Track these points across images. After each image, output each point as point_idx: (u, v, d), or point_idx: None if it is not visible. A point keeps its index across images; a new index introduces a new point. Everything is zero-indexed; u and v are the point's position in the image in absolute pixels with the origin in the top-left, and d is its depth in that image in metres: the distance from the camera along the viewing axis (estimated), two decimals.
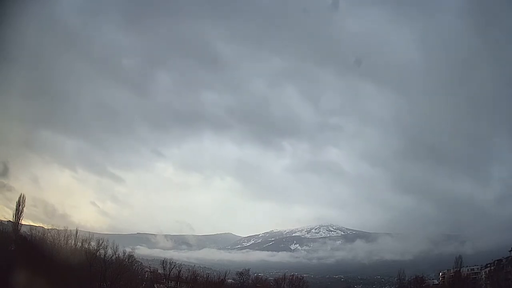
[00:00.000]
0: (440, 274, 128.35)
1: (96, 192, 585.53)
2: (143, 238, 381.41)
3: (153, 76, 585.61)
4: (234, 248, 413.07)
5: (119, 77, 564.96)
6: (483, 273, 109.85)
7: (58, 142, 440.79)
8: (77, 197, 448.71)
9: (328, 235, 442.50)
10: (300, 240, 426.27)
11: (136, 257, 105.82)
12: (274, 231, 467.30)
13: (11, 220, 75.32)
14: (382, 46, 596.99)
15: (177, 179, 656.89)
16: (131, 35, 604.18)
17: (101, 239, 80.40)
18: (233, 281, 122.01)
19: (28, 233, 75.69)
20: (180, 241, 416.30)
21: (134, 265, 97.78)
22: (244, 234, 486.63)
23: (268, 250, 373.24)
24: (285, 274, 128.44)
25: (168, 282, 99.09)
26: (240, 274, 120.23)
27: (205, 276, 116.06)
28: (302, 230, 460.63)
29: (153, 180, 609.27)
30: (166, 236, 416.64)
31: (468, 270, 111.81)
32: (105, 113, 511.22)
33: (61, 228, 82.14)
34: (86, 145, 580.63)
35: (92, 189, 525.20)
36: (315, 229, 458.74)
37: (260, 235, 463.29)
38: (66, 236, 77.59)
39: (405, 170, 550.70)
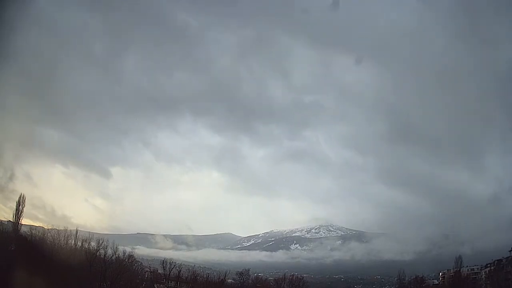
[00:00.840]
0: (440, 274, 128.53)
1: (89, 189, 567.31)
2: (142, 238, 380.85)
3: (122, 59, 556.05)
4: (234, 248, 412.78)
5: (90, 61, 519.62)
6: (483, 273, 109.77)
7: (47, 136, 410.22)
8: (71, 195, 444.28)
9: (328, 235, 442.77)
10: (300, 240, 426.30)
11: (136, 257, 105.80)
12: (274, 231, 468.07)
13: (11, 220, 75.28)
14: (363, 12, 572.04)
15: (164, 174, 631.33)
16: (97, 16, 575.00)
17: (101, 239, 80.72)
18: (233, 281, 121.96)
19: (28, 233, 75.66)
20: (180, 241, 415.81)
21: (134, 265, 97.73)
22: (244, 234, 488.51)
23: (268, 250, 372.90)
24: (285, 274, 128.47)
25: (168, 282, 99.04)
26: (240, 274, 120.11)
27: (205, 276, 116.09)
28: (302, 230, 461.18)
29: (140, 175, 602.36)
30: (165, 236, 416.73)
31: (468, 270, 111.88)
32: (85, 102, 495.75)
33: (61, 228, 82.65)
34: (71, 139, 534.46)
35: (83, 185, 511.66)
36: (315, 229, 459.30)
37: (260, 235, 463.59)
38: (66, 236, 78.08)
39: (395, 159, 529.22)
